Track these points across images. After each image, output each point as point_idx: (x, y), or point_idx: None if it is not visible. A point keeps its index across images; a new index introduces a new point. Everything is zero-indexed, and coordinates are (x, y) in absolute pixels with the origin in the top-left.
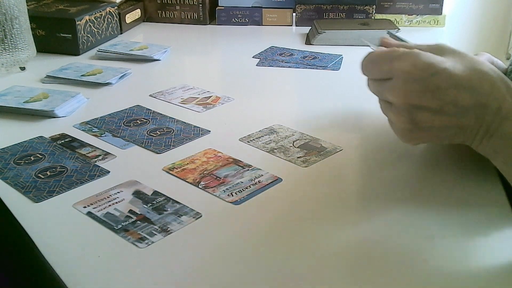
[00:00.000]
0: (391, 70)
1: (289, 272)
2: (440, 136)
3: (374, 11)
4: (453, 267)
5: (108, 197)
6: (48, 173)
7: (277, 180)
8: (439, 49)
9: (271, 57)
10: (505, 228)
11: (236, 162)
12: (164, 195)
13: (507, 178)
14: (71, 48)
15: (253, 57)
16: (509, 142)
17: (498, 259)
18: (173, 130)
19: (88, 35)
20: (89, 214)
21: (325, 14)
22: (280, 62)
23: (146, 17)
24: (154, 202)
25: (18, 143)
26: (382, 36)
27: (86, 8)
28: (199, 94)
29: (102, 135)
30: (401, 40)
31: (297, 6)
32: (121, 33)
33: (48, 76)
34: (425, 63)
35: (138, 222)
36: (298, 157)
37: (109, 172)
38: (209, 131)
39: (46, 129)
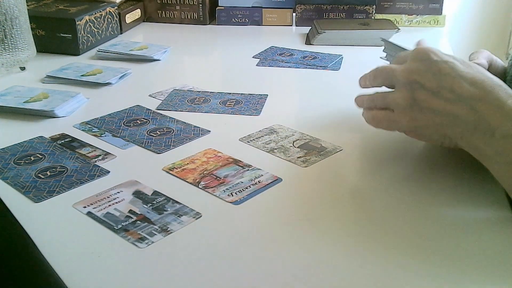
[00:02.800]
0: (406, 57)
1: (289, 272)
2: (435, 121)
3: (374, 11)
4: (453, 268)
5: (108, 197)
6: (48, 173)
7: (277, 180)
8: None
9: (271, 57)
10: (505, 228)
11: (236, 162)
12: (164, 195)
13: (504, 180)
14: (71, 48)
15: (253, 57)
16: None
17: (498, 259)
18: (173, 130)
19: (88, 35)
20: (89, 214)
21: (325, 14)
22: (280, 62)
23: (146, 17)
24: (154, 202)
25: (18, 143)
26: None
27: (86, 8)
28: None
29: (102, 135)
30: (397, 46)
31: (297, 6)
32: (121, 33)
33: (48, 76)
34: (436, 50)
35: (138, 222)
36: (298, 157)
37: (109, 172)
38: (209, 131)
39: (46, 129)
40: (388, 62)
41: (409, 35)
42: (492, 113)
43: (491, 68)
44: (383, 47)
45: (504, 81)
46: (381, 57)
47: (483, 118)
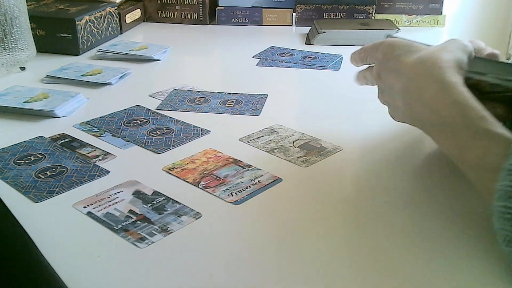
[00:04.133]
0: (372, 56)
1: (289, 272)
2: (404, 117)
3: (374, 11)
4: (453, 268)
5: (108, 197)
6: (48, 173)
7: (277, 180)
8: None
9: (271, 57)
10: None
11: (236, 162)
12: (164, 195)
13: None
14: (71, 48)
15: (253, 57)
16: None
17: (498, 260)
18: (173, 130)
19: (88, 35)
20: (89, 214)
21: (325, 14)
22: (280, 62)
23: (146, 17)
24: (154, 202)
25: (18, 143)
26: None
27: (86, 8)
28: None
29: (102, 135)
30: None
31: (297, 6)
32: (121, 33)
33: (48, 76)
34: (386, 48)
35: (138, 222)
36: (298, 157)
37: (109, 172)
38: (209, 131)
39: (46, 129)
40: None
41: (409, 35)
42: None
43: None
44: None
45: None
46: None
47: (415, 111)
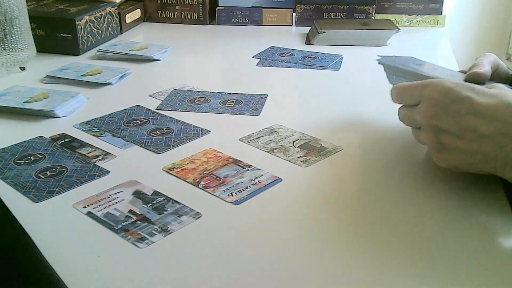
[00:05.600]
0: (420, 95)
1: (289, 272)
2: (466, 160)
3: (374, 11)
4: (453, 268)
5: (108, 197)
6: (48, 173)
7: (277, 180)
8: (491, 86)
9: (271, 57)
10: (505, 228)
11: (236, 162)
12: (164, 195)
13: None
14: (71, 48)
15: (253, 57)
16: None
17: (498, 259)
18: (173, 130)
19: (88, 35)
20: (89, 214)
21: (325, 14)
22: (280, 62)
23: (146, 17)
24: (154, 202)
25: (18, 143)
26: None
27: (86, 8)
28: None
29: (102, 135)
30: (397, 68)
31: (297, 6)
32: (121, 33)
33: (48, 76)
34: (446, 89)
35: (138, 222)
36: (298, 157)
37: (109, 172)
38: (209, 131)
39: (46, 129)
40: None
41: (409, 35)
42: None
43: (496, 74)
44: (382, 68)
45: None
46: (377, 59)
47: (510, 151)
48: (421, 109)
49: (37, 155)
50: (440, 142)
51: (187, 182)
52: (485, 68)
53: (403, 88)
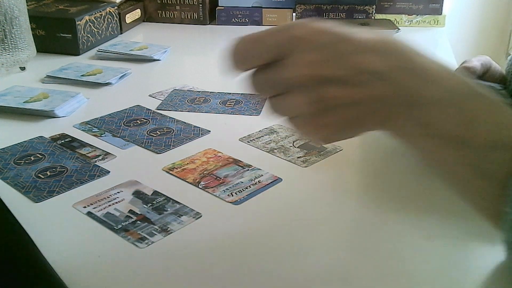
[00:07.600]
0: (287, 42)
1: (289, 272)
2: (353, 120)
3: (374, 11)
4: (453, 268)
5: (108, 197)
6: (48, 173)
7: (277, 180)
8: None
9: None
10: None
11: (236, 162)
12: (164, 195)
13: (435, 162)
14: (71, 48)
15: None
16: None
17: (497, 259)
18: (173, 130)
19: (88, 35)
20: (89, 214)
21: (325, 14)
22: None
23: (146, 17)
24: (154, 202)
25: (18, 143)
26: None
27: (86, 8)
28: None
29: (102, 135)
30: None
31: (297, 6)
32: (121, 33)
33: (48, 76)
34: (321, 28)
35: (138, 222)
36: (298, 157)
37: (109, 172)
38: (209, 131)
39: (46, 129)
40: None
41: (409, 35)
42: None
43: (488, 74)
44: None
45: (504, 84)
46: None
47: (411, 88)
48: (294, 60)
49: (37, 155)
50: (322, 99)
51: (187, 182)
52: (473, 63)
53: (252, 40)
